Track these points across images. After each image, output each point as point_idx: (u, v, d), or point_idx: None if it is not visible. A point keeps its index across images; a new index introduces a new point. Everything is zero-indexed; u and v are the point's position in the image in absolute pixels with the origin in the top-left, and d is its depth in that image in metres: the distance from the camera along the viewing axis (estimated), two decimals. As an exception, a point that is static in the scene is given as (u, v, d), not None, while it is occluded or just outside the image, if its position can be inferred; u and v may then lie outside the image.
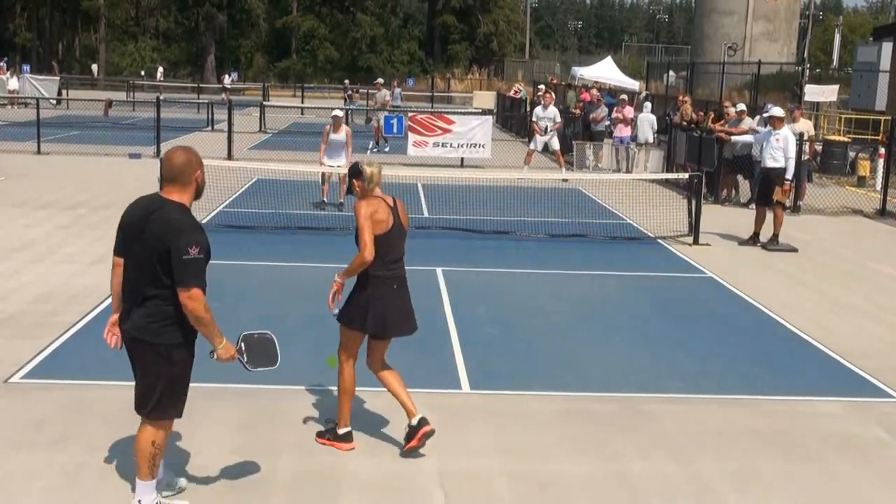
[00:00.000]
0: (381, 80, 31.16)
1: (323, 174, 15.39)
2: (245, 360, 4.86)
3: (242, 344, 4.87)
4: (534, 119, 21.15)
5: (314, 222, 13.81)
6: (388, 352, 6.15)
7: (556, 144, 20.65)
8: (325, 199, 15.26)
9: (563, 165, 20.78)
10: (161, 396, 4.71)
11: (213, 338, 4.69)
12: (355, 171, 5.73)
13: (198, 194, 4.80)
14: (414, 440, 5.81)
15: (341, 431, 5.94)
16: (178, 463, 5.57)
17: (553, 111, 20.71)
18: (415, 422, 5.81)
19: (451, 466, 5.74)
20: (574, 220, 14.64)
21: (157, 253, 4.54)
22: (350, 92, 31.71)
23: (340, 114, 15.47)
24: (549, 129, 20.40)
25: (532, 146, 20.87)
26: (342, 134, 15.07)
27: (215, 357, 4.74)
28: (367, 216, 5.57)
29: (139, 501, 4.83)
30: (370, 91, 45.98)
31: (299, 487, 5.40)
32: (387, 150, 24.52)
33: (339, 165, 14.81)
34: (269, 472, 5.55)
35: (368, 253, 5.53)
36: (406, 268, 5.93)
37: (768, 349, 8.55)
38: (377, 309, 5.66)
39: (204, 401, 6.54)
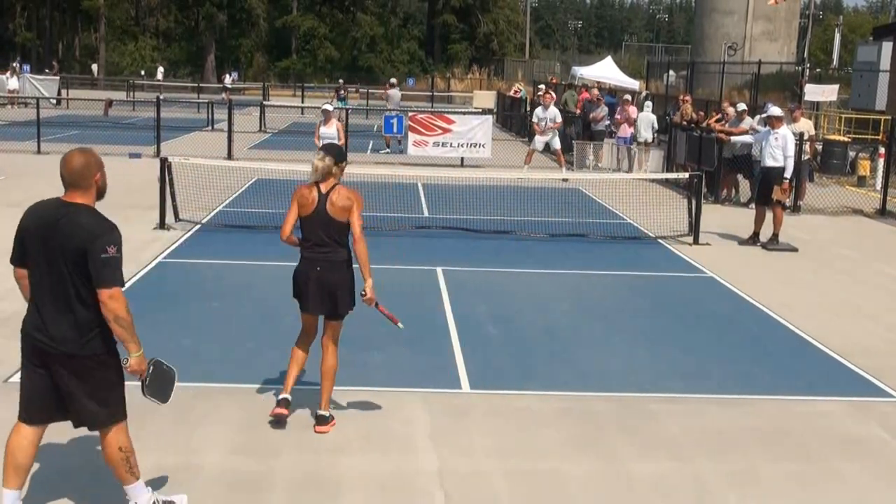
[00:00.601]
0: (393, 80, 30.97)
1: None
2: (146, 382, 4.69)
3: (152, 367, 4.71)
4: (534, 120, 21.18)
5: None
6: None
7: (556, 144, 20.70)
8: None
9: (564, 165, 20.79)
10: (109, 403, 4.62)
11: (130, 343, 4.51)
12: None
13: (100, 196, 4.62)
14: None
15: (280, 397, 6.22)
16: (178, 463, 5.58)
17: (553, 111, 20.75)
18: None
19: (451, 466, 5.74)
20: (574, 220, 14.62)
21: (72, 261, 4.41)
22: (342, 93, 31.32)
23: (330, 108, 15.42)
24: (548, 129, 20.43)
25: (533, 146, 20.90)
26: (333, 128, 15.04)
27: (127, 365, 4.56)
28: (294, 200, 6.20)
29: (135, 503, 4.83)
30: (370, 91, 46.06)
31: (299, 487, 5.40)
32: (386, 151, 24.48)
33: None
34: (269, 472, 5.56)
35: (282, 231, 6.24)
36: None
37: (768, 349, 8.55)
38: (299, 285, 6.26)
39: (204, 401, 6.55)
